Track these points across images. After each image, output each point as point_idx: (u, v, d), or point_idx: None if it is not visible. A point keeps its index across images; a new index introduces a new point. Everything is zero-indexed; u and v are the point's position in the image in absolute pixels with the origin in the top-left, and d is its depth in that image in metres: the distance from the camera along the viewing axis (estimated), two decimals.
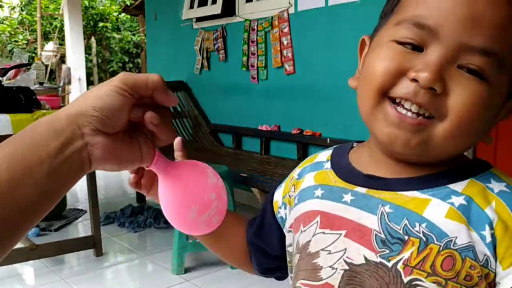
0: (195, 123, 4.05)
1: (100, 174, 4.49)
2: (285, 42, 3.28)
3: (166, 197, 0.60)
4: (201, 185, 0.60)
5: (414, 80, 0.51)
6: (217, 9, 3.71)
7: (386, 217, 0.55)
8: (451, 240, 0.52)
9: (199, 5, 3.98)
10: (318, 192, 0.63)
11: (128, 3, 10.44)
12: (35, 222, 0.50)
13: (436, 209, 0.53)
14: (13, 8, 12.10)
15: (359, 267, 0.56)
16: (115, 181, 4.80)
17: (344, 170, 0.63)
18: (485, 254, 0.52)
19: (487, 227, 0.52)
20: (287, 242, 0.68)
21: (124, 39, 12.17)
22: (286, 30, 3.27)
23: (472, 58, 0.50)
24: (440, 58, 0.50)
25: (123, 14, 11.97)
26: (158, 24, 4.71)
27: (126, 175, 3.91)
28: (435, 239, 0.53)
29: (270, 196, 0.75)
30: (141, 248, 2.91)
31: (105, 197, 4.08)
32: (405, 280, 0.53)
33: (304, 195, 0.65)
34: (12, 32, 11.53)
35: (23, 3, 11.99)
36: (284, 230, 0.70)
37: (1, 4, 11.74)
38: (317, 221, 0.61)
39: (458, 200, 0.53)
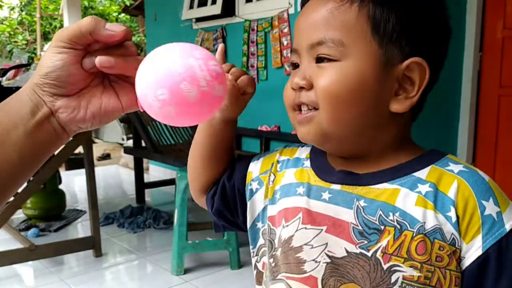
0: None
1: (99, 175, 4.49)
2: (285, 43, 3.28)
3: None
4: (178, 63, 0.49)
5: (293, 89, 0.64)
6: (217, 9, 3.71)
7: (362, 211, 0.61)
8: (422, 226, 0.57)
9: (199, 5, 3.97)
10: (300, 190, 0.68)
11: (128, 4, 10.45)
12: (15, 188, 0.52)
13: (406, 198, 0.59)
14: (13, 8, 12.09)
15: (341, 259, 0.61)
16: (114, 181, 4.80)
17: (321, 169, 0.69)
18: (452, 233, 0.57)
19: (451, 208, 0.57)
20: (262, 229, 0.73)
21: None
22: (286, 30, 3.26)
23: (316, 51, 0.61)
24: (303, 64, 0.63)
25: (122, 15, 11.97)
26: (158, 25, 4.71)
27: (126, 176, 3.93)
28: (408, 226, 0.58)
29: (243, 162, 0.79)
30: (140, 249, 2.90)
31: (105, 197, 4.08)
32: (385, 267, 0.58)
33: (287, 191, 0.70)
34: (12, 33, 11.52)
35: (23, 3, 11.99)
36: (249, 204, 0.75)
37: (1, 5, 11.74)
38: (299, 217, 0.66)
39: (424, 188, 0.59)
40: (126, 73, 0.53)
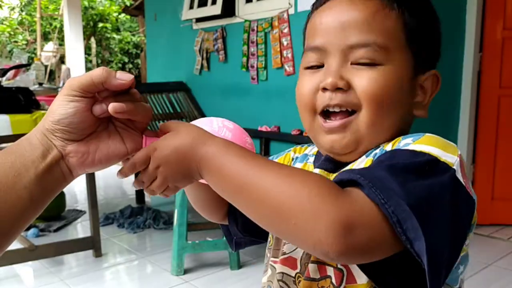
0: None
1: (99, 175, 4.49)
2: (285, 43, 3.28)
3: None
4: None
5: (324, 89, 0.62)
6: (217, 9, 3.71)
7: None
8: None
9: (199, 6, 3.97)
10: None
11: (128, 4, 10.45)
12: (25, 226, 0.55)
13: (361, 163, 0.62)
14: (13, 8, 12.10)
15: None
16: (114, 181, 4.80)
17: (317, 160, 0.71)
18: None
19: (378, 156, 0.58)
20: None
21: (123, 40, 12.17)
22: (286, 30, 3.26)
23: (357, 53, 0.61)
24: (335, 64, 0.61)
25: (122, 15, 11.97)
26: (158, 25, 4.71)
27: None
28: None
29: None
30: (140, 249, 2.90)
31: (105, 198, 4.08)
32: None
33: None
34: (12, 33, 11.53)
35: (23, 3, 11.99)
36: None
37: (1, 5, 11.74)
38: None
39: (375, 152, 0.61)
40: (135, 118, 0.57)
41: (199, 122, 0.63)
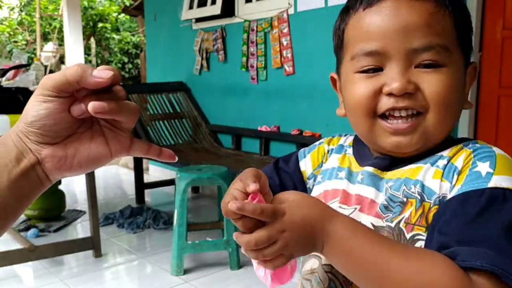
0: (195, 123, 4.05)
1: (99, 175, 4.49)
2: (285, 43, 3.28)
3: None
4: None
5: (390, 94, 0.61)
6: (216, 9, 3.71)
7: (389, 189, 0.64)
8: (438, 197, 0.60)
9: (199, 6, 3.97)
10: (342, 174, 0.71)
11: (128, 4, 10.45)
12: None
13: (427, 172, 0.62)
14: (12, 8, 12.09)
15: None
16: (114, 182, 4.80)
17: (361, 156, 0.72)
18: (447, 197, 0.60)
19: (455, 176, 0.60)
20: None
21: (123, 40, 12.16)
22: (285, 30, 3.26)
23: (422, 56, 0.61)
24: (400, 68, 0.61)
25: (122, 15, 11.97)
26: (158, 25, 4.71)
27: (125, 176, 3.93)
28: (426, 198, 0.61)
29: (293, 162, 0.79)
30: (140, 249, 2.90)
31: (104, 198, 4.07)
32: (408, 236, 0.61)
33: (330, 175, 0.73)
34: (11, 33, 11.52)
35: (22, 3, 11.99)
36: None
37: (1, 5, 11.73)
38: (338, 198, 0.69)
39: (443, 162, 0.62)
40: (118, 118, 0.51)
41: None
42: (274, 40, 3.35)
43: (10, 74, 2.97)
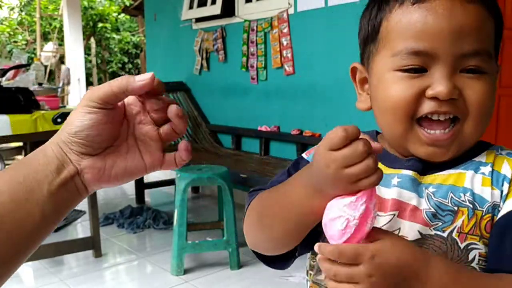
0: (195, 123, 4.05)
1: None
2: (285, 43, 3.28)
3: None
4: None
5: (433, 97, 0.59)
6: (216, 9, 3.71)
7: (432, 196, 0.62)
8: (490, 205, 0.60)
9: (199, 6, 3.97)
10: None
11: (128, 4, 10.45)
12: (37, 244, 0.53)
13: (473, 179, 0.61)
14: (12, 8, 12.09)
15: (415, 242, 0.60)
16: None
17: (387, 158, 0.67)
18: (500, 206, 0.60)
19: (505, 184, 0.60)
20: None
21: (123, 40, 12.17)
22: (285, 30, 3.26)
23: (469, 62, 0.59)
24: (447, 72, 0.58)
25: (122, 15, 11.97)
26: (158, 25, 4.71)
27: None
28: (478, 206, 0.60)
29: (303, 164, 0.72)
30: (140, 249, 2.90)
31: (104, 198, 4.07)
32: (462, 246, 0.59)
33: None
34: (11, 33, 11.52)
35: (22, 3, 11.99)
36: None
37: (1, 5, 11.73)
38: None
39: (487, 169, 0.62)
40: (177, 124, 0.54)
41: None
42: (274, 40, 3.35)
43: (10, 74, 2.97)
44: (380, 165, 0.64)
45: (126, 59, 12.38)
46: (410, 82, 0.60)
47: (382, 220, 0.63)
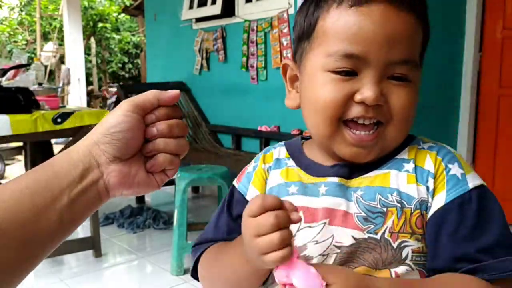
0: (195, 123, 4.05)
1: None
2: (285, 43, 3.28)
3: None
4: None
5: (361, 102, 0.60)
6: (216, 9, 3.71)
7: (361, 199, 0.63)
8: (418, 201, 0.61)
9: (199, 6, 3.97)
10: (293, 189, 0.67)
11: (128, 4, 10.45)
12: (51, 249, 0.53)
13: (398, 178, 0.63)
14: (13, 8, 12.10)
15: (350, 247, 0.61)
16: None
17: (311, 168, 0.68)
18: (429, 202, 0.62)
19: (430, 179, 0.62)
20: None
21: (123, 40, 12.17)
22: (285, 30, 3.26)
23: (396, 69, 0.61)
24: (376, 78, 0.60)
25: (122, 15, 11.98)
26: (158, 25, 4.71)
27: None
28: (406, 204, 0.61)
29: (240, 202, 0.73)
30: (140, 249, 2.90)
31: None
32: (395, 245, 0.61)
33: (278, 193, 0.68)
34: (12, 33, 11.53)
35: (23, 3, 11.99)
36: None
37: (1, 5, 11.73)
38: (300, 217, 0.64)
39: (410, 166, 0.63)
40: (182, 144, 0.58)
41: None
42: (274, 40, 3.35)
43: (10, 74, 2.97)
44: (306, 175, 0.68)
45: (126, 59, 12.39)
46: (341, 85, 0.61)
47: (314, 230, 0.63)
